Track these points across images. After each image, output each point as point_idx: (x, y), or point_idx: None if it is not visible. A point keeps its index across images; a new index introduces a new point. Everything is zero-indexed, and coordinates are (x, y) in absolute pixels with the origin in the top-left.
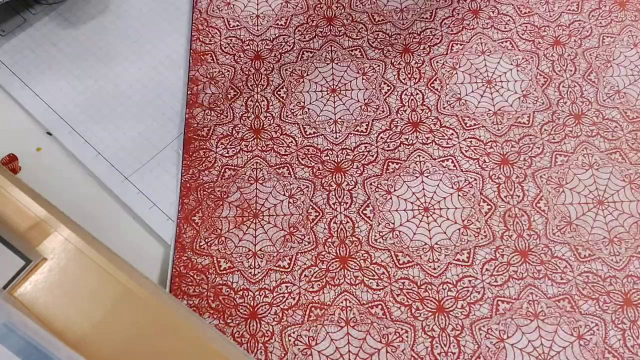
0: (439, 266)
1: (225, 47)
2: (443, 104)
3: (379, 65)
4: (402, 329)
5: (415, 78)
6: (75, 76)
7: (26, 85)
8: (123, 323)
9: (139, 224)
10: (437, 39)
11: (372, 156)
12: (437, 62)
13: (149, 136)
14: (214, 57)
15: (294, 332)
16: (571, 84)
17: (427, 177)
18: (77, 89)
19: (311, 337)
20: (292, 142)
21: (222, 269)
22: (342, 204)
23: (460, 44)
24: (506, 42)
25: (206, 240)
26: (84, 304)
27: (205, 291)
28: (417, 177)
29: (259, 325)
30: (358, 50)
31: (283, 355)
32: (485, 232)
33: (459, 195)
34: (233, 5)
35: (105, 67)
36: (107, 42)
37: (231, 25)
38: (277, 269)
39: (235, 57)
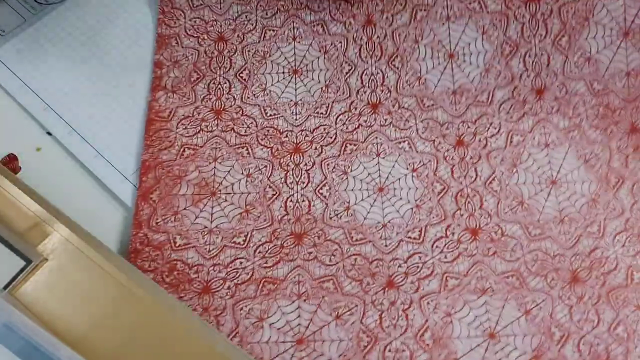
0: (390, 243)
1: (189, 30)
2: (402, 85)
3: (340, 42)
4: (352, 303)
5: (377, 55)
6: (76, 76)
7: (26, 85)
8: (123, 323)
9: None
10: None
11: (331, 137)
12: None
13: None
14: (179, 41)
15: (246, 306)
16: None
17: (383, 158)
18: (78, 89)
19: (263, 311)
20: (252, 122)
21: (177, 245)
22: (299, 183)
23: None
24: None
25: (163, 217)
26: (84, 304)
27: (159, 266)
28: (373, 158)
29: (211, 299)
30: (320, 25)
31: (235, 327)
32: (437, 211)
33: (413, 175)
34: None
35: (106, 67)
36: (108, 42)
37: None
38: (232, 245)
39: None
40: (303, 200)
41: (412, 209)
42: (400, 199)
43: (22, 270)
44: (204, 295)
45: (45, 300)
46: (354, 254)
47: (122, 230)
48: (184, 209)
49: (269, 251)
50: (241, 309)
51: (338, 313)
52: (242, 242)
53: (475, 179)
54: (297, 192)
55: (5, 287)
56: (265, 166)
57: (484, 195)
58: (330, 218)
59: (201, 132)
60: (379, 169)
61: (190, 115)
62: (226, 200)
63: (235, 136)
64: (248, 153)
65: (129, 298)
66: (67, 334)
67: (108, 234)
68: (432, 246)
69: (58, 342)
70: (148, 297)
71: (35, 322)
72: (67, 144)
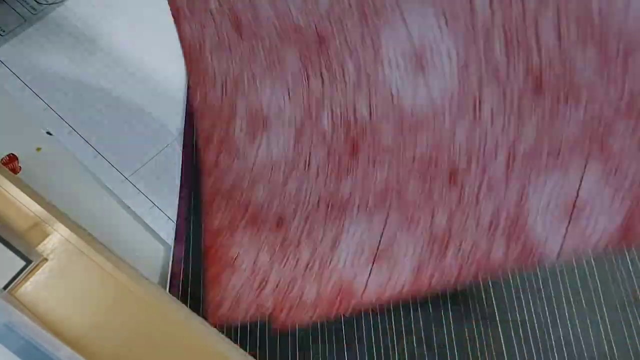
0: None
1: None
2: None
3: None
4: (419, 208)
5: None
6: (76, 76)
7: (26, 85)
8: (123, 323)
9: (139, 224)
10: None
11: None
12: None
13: (149, 136)
14: None
15: (318, 234)
16: None
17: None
18: (78, 89)
19: (336, 234)
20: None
21: (246, 185)
22: (337, 77)
23: None
24: None
25: (226, 160)
26: (84, 304)
27: (233, 209)
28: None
29: (287, 232)
30: None
31: (311, 256)
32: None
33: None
34: None
35: (106, 67)
36: (108, 42)
37: None
38: (295, 173)
39: None
40: (347, 109)
41: (460, 80)
42: (443, 71)
43: (22, 270)
44: (279, 229)
45: (45, 300)
46: (411, 155)
47: (120, 229)
48: (244, 146)
49: (330, 169)
50: (315, 236)
51: (409, 217)
52: (303, 167)
53: None
54: (339, 94)
55: (5, 287)
56: (301, 76)
57: None
58: (377, 117)
59: (232, 54)
60: (411, 35)
61: (216, 38)
62: (277, 126)
63: (261, 46)
64: (278, 62)
65: (128, 297)
66: (67, 333)
67: (108, 233)
68: (492, 122)
69: (58, 342)
70: (148, 297)
71: (35, 322)
72: (67, 144)
